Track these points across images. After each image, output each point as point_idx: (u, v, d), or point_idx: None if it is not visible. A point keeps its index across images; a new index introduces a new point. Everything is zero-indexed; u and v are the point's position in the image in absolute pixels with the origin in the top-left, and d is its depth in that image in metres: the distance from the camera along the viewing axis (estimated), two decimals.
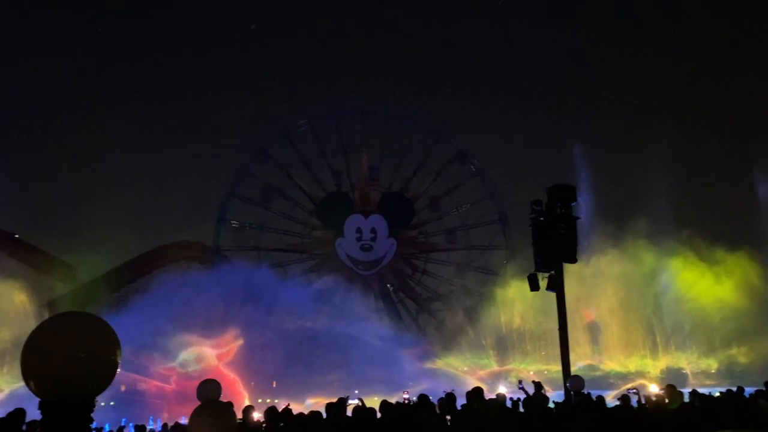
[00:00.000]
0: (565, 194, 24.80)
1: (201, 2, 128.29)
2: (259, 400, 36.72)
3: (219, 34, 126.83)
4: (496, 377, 46.20)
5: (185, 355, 37.79)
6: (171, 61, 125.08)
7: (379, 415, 12.36)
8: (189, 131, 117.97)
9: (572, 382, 17.51)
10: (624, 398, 15.70)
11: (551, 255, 24.52)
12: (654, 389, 29.83)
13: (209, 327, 38.41)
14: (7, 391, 35.35)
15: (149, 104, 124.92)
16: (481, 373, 47.71)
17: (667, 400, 14.84)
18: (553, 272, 24.63)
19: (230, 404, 10.34)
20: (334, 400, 13.75)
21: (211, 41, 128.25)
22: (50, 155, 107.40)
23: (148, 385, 37.36)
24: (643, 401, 17.35)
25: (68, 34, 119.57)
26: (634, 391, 19.00)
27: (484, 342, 51.65)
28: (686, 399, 15.34)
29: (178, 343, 37.72)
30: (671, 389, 14.81)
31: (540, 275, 25.31)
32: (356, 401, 16.16)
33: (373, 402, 14.89)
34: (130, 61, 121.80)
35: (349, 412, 13.44)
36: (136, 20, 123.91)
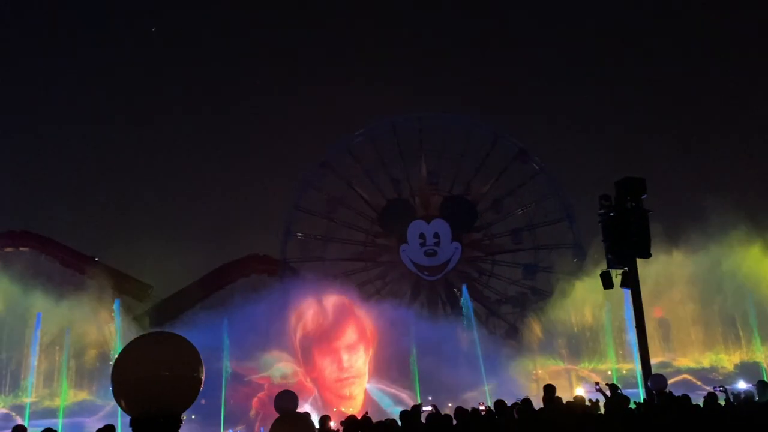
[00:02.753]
0: (634, 187, 24.00)
1: (253, 16, 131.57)
2: (334, 409, 37.18)
3: (277, 51, 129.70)
4: (555, 376, 45.02)
5: (277, 368, 39.82)
6: (233, 79, 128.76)
7: (454, 422, 12.23)
8: (252, 147, 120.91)
9: (654, 381, 16.91)
10: (710, 396, 15.04)
11: (624, 251, 23.75)
12: (741, 385, 28.45)
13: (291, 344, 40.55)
14: (112, 404, 37.06)
15: (213, 124, 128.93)
16: (540, 372, 46.80)
17: (756, 397, 14.14)
18: (626, 269, 23.86)
19: (307, 414, 10.50)
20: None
21: (271, 60, 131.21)
22: (122, 180, 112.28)
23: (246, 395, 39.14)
24: (731, 399, 16.60)
25: (136, 51, 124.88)
26: (721, 389, 18.17)
27: (555, 343, 50.45)
28: None
29: (270, 357, 39.91)
30: (762, 385, 14.12)
31: (613, 272, 24.58)
32: (429, 408, 16.09)
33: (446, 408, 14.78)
34: (195, 81, 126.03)
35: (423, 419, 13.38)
36: (201, 32, 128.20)
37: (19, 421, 32.16)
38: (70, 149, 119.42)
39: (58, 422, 35.67)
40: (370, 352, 41.30)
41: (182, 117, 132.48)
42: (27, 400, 38.38)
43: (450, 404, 28.26)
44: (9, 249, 55.08)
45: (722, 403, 15.22)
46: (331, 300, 41.71)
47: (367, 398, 40.31)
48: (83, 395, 40.49)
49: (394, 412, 28.38)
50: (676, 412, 13.42)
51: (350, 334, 40.89)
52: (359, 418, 13.80)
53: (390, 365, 40.87)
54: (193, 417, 35.62)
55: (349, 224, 62.15)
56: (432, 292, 60.30)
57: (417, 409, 14.88)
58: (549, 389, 13.07)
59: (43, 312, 39.49)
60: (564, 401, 14.04)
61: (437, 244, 58.96)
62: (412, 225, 59.22)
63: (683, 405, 14.44)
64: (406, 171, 62.26)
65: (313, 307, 41.30)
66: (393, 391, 40.48)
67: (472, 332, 46.74)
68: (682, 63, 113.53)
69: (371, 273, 61.86)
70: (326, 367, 40.66)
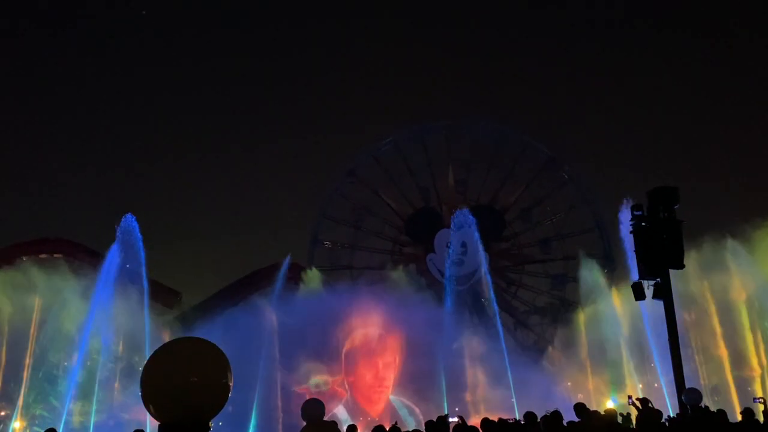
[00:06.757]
0: (667, 197, 23.56)
1: (286, 29, 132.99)
2: (360, 418, 37.55)
3: (304, 60, 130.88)
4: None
5: (315, 378, 42.59)
6: (264, 85, 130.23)
7: None
8: (279, 156, 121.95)
9: (688, 395, 16.52)
10: (747, 412, 14.62)
11: (656, 261, 23.31)
12: None
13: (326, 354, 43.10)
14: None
15: (240, 132, 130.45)
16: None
17: None
18: (659, 279, 23.42)
19: (334, 423, 10.46)
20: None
21: (300, 68, 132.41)
22: (151, 187, 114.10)
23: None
24: None
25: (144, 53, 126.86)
26: (761, 399, 17.61)
27: (584, 356, 49.43)
28: None
29: (310, 369, 42.53)
30: None
31: (645, 283, 24.14)
32: (455, 419, 15.92)
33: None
34: (226, 87, 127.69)
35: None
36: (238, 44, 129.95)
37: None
38: (86, 150, 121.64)
39: (90, 425, 36.29)
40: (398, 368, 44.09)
41: (210, 126, 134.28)
42: (64, 406, 38.84)
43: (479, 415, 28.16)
44: (43, 255, 56.06)
45: (761, 418, 14.77)
46: (380, 320, 43.23)
47: (389, 404, 43.14)
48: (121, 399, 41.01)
49: (407, 420, 36.58)
50: (710, 427, 13.04)
51: (390, 354, 43.51)
52: (382, 423, 13.71)
53: (414, 379, 42.11)
54: (220, 423, 35.82)
55: (376, 233, 62.11)
56: (459, 301, 59.80)
57: (444, 419, 14.73)
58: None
59: (78, 317, 39.96)
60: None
61: (464, 253, 58.50)
62: (440, 234, 58.91)
63: (718, 419, 14.03)
64: (433, 179, 62.09)
65: (365, 326, 43.24)
66: (408, 403, 42.94)
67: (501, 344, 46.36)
68: (712, 70, 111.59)
69: None
70: (365, 375, 43.72)
